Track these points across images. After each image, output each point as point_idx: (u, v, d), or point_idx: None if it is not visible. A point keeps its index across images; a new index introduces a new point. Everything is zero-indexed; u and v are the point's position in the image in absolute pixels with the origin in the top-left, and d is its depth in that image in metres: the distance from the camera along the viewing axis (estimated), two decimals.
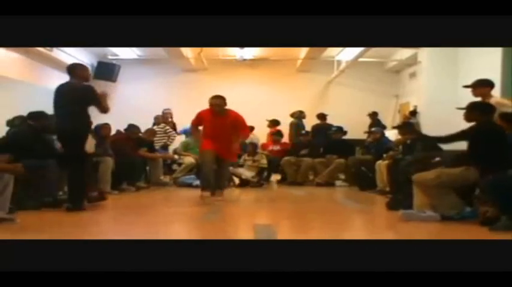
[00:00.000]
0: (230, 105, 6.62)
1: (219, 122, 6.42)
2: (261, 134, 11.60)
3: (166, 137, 10.09)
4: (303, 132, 10.76)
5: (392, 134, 9.30)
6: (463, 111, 5.11)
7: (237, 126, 6.53)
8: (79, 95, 5.37)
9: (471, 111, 5.03)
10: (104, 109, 5.51)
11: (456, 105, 5.34)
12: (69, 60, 12.21)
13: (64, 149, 5.66)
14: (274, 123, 11.50)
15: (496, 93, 6.17)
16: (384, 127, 11.12)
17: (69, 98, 5.36)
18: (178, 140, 10.40)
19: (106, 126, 7.82)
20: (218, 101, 6.42)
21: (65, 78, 5.61)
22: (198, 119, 6.69)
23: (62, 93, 5.43)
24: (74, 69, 5.60)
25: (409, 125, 7.87)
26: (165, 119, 10.52)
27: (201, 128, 6.76)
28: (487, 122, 4.93)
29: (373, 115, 12.69)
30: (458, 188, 4.90)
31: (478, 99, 5.86)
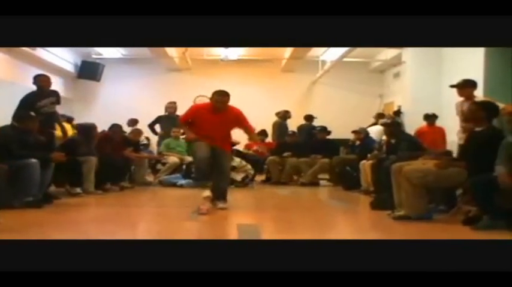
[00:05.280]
0: None
1: (219, 120, 5.70)
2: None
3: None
4: (290, 132, 10.73)
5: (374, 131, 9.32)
6: (446, 111, 5.06)
7: (239, 123, 5.91)
8: None
9: (479, 110, 4.78)
10: None
11: (439, 105, 5.34)
12: (53, 60, 12.13)
13: None
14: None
15: (478, 93, 6.24)
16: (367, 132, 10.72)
17: None
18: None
19: (92, 126, 7.76)
20: (224, 99, 5.71)
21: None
22: (192, 115, 5.90)
23: None
24: None
25: (396, 124, 7.84)
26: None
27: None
28: (494, 128, 4.76)
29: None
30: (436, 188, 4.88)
31: (461, 99, 5.93)
